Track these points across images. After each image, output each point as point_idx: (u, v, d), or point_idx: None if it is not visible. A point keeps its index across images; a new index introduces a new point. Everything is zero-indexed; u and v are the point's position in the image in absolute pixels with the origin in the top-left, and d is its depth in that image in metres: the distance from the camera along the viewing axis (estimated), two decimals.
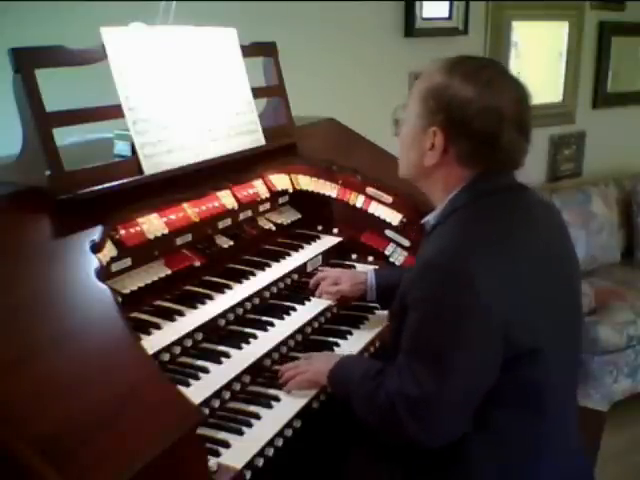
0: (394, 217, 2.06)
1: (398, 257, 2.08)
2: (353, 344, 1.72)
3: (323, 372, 1.48)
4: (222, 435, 1.32)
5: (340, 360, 1.50)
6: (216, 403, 1.38)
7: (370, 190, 2.07)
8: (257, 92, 1.92)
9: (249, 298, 1.68)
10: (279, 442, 1.36)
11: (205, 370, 1.42)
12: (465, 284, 1.21)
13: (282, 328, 1.65)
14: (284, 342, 1.62)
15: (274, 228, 2.00)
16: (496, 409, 1.29)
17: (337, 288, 1.82)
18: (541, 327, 1.28)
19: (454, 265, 1.24)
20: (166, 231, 1.56)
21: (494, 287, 1.21)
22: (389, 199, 2.05)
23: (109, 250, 1.41)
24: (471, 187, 1.36)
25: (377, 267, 2.01)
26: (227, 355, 1.48)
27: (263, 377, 1.55)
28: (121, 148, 1.57)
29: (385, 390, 1.31)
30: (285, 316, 1.70)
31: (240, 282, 1.72)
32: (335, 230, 2.14)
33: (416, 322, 1.28)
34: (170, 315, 1.50)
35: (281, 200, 2.11)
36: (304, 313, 1.74)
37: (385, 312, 1.86)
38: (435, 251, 1.29)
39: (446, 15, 3.34)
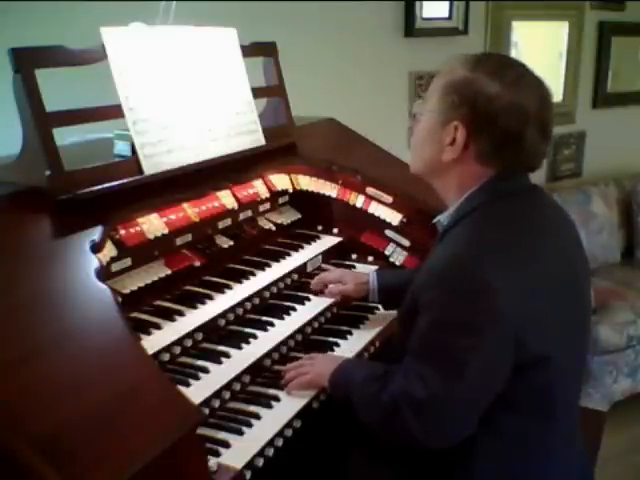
0: (394, 217, 2.06)
1: (398, 257, 2.08)
2: (353, 344, 1.72)
3: (325, 374, 1.47)
4: (222, 435, 1.32)
5: (342, 363, 1.50)
6: (216, 403, 1.38)
7: (370, 190, 2.07)
8: (257, 92, 1.92)
9: (249, 298, 1.67)
10: (279, 442, 1.36)
11: (205, 370, 1.42)
12: (480, 290, 1.20)
13: (282, 328, 1.65)
14: (284, 342, 1.62)
15: (274, 228, 2.00)
16: (504, 413, 1.28)
17: (341, 288, 1.82)
18: (553, 334, 1.27)
19: (470, 271, 1.22)
20: (166, 231, 1.56)
21: (509, 294, 1.20)
22: (389, 199, 2.05)
23: (109, 250, 1.41)
24: (487, 187, 1.33)
25: (378, 268, 2.01)
26: (227, 355, 1.48)
27: (263, 377, 1.55)
28: (121, 148, 1.57)
29: (389, 392, 1.30)
30: (285, 316, 1.70)
31: (240, 282, 1.72)
32: (335, 230, 2.14)
33: (427, 325, 1.26)
34: (170, 315, 1.50)
35: (281, 200, 2.11)
36: (304, 313, 1.74)
37: (385, 312, 1.87)
38: (451, 255, 1.27)
39: (446, 15, 3.34)
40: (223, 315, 1.58)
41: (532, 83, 1.32)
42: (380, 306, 1.88)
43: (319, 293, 1.84)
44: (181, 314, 1.52)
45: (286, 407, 1.44)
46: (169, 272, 1.61)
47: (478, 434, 1.28)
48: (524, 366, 1.24)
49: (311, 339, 1.73)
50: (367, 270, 2.01)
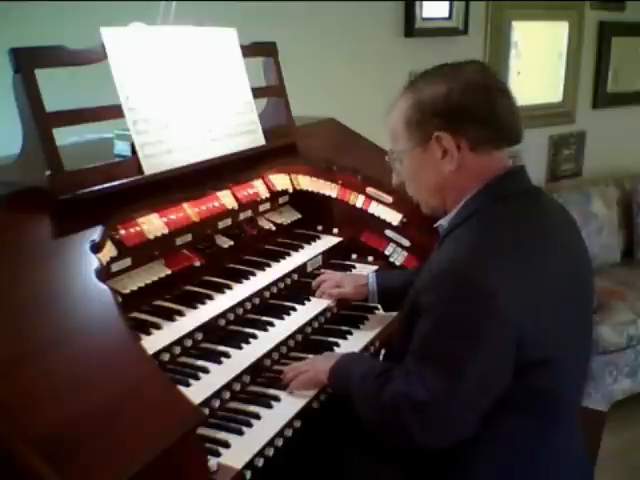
0: (394, 217, 2.06)
1: (398, 257, 2.08)
2: (353, 344, 1.72)
3: (324, 370, 1.48)
4: (222, 435, 1.32)
5: (341, 358, 1.51)
6: (216, 403, 1.38)
7: (370, 190, 2.07)
8: (257, 92, 1.92)
9: (249, 298, 1.67)
10: (279, 442, 1.36)
11: (205, 370, 1.42)
12: (480, 293, 1.21)
13: (282, 328, 1.65)
14: (284, 342, 1.62)
15: (274, 228, 2.00)
16: (506, 414, 1.28)
17: (339, 291, 1.82)
18: (555, 335, 1.27)
19: (471, 274, 1.22)
20: (166, 231, 1.56)
21: (509, 296, 1.20)
22: (389, 199, 2.05)
23: (109, 250, 1.41)
24: (487, 190, 1.34)
25: (376, 269, 2.01)
26: (227, 355, 1.48)
27: (263, 377, 1.55)
28: (121, 148, 1.57)
29: (389, 391, 1.30)
30: (285, 316, 1.70)
31: (240, 282, 1.72)
32: (335, 230, 2.14)
33: (429, 327, 1.26)
34: (170, 315, 1.50)
35: (281, 200, 2.11)
36: (304, 313, 1.74)
37: (385, 312, 1.86)
38: (452, 257, 1.28)
39: (446, 15, 3.34)
40: (223, 315, 1.58)
41: (468, 66, 1.37)
42: (380, 306, 1.87)
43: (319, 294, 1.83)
44: (181, 314, 1.52)
45: (286, 407, 1.44)
46: (169, 272, 1.61)
47: (479, 435, 1.28)
48: (526, 368, 1.24)
49: (311, 339, 1.73)
50: (367, 270, 2.01)
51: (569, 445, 1.39)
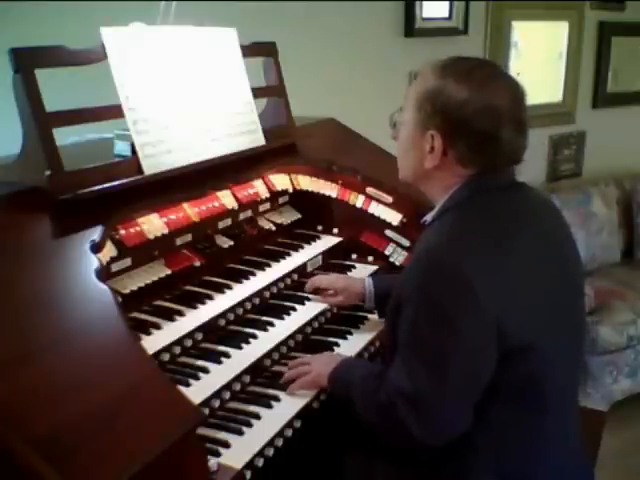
0: (394, 217, 2.06)
1: (398, 257, 2.08)
2: (353, 344, 1.72)
3: (324, 374, 1.48)
4: (222, 435, 1.32)
5: (341, 362, 1.51)
6: (216, 403, 1.38)
7: (370, 190, 2.07)
8: (257, 92, 1.92)
9: (249, 298, 1.67)
10: (279, 442, 1.36)
11: (205, 370, 1.42)
12: (457, 280, 1.22)
13: (282, 328, 1.65)
14: (284, 342, 1.62)
15: (274, 228, 2.00)
16: (494, 404, 1.29)
17: (332, 300, 1.78)
18: (537, 320, 1.27)
19: (447, 259, 1.24)
20: (166, 231, 1.56)
21: (486, 282, 1.21)
22: (389, 199, 2.05)
23: (109, 250, 1.41)
24: (470, 184, 1.35)
25: (374, 272, 2.00)
26: (227, 355, 1.48)
27: (263, 377, 1.55)
28: (121, 148, 1.57)
29: (385, 388, 1.32)
30: (285, 316, 1.70)
31: (240, 282, 1.72)
32: (335, 230, 2.14)
33: (411, 316, 1.28)
34: (170, 315, 1.50)
35: (281, 200, 2.11)
36: (304, 313, 1.74)
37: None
38: (429, 245, 1.30)
39: (446, 15, 3.34)
40: (223, 315, 1.58)
41: (502, 82, 1.33)
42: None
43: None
44: (181, 314, 1.52)
45: (286, 407, 1.44)
46: (169, 272, 1.61)
47: (472, 430, 1.28)
48: (508, 355, 1.25)
49: (311, 339, 1.73)
50: (367, 270, 2.02)
51: (565, 441, 1.39)
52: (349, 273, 2.01)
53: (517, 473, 1.32)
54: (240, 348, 1.53)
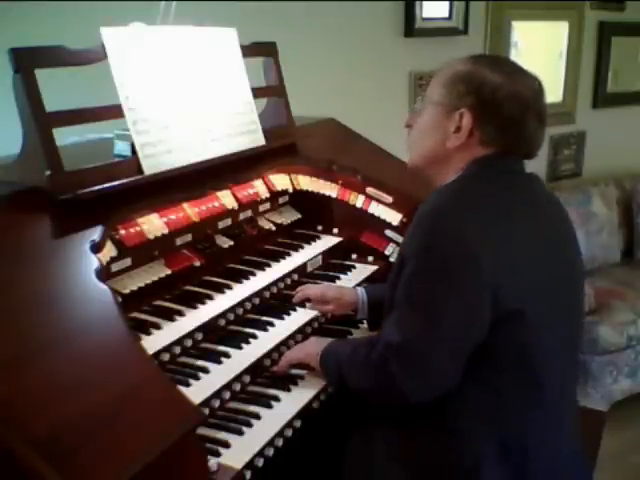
0: (394, 217, 2.06)
1: None
2: None
3: (313, 353, 1.51)
4: (222, 435, 1.32)
5: (330, 343, 1.53)
6: (216, 403, 1.38)
7: (370, 190, 2.07)
8: (257, 92, 1.92)
9: (249, 298, 1.67)
10: (279, 442, 1.36)
11: (205, 370, 1.42)
12: (457, 238, 1.25)
13: (282, 328, 1.65)
14: (284, 342, 1.62)
15: (274, 228, 2.00)
16: (487, 368, 1.30)
17: (324, 308, 1.75)
18: (529, 286, 1.29)
19: (450, 221, 1.27)
20: (166, 231, 1.56)
21: (485, 243, 1.25)
22: (389, 199, 2.05)
23: (109, 250, 1.41)
24: (480, 160, 1.39)
25: (374, 271, 2.02)
26: (227, 355, 1.48)
27: (263, 377, 1.55)
28: (121, 148, 1.57)
29: (377, 350, 1.34)
30: (285, 316, 1.70)
31: (240, 282, 1.72)
32: (335, 230, 2.14)
33: (411, 270, 1.30)
34: (170, 315, 1.50)
35: (281, 200, 2.11)
36: (304, 313, 1.74)
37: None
38: (434, 206, 1.33)
39: (446, 15, 3.34)
40: (223, 315, 1.58)
41: (528, 76, 1.42)
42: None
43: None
44: (181, 314, 1.52)
45: (286, 407, 1.44)
46: (169, 272, 1.61)
47: (468, 390, 1.30)
48: (500, 318, 1.26)
49: None
50: (368, 270, 2.02)
51: (559, 428, 1.38)
52: (349, 273, 2.01)
53: (517, 446, 1.32)
54: (240, 348, 1.53)
